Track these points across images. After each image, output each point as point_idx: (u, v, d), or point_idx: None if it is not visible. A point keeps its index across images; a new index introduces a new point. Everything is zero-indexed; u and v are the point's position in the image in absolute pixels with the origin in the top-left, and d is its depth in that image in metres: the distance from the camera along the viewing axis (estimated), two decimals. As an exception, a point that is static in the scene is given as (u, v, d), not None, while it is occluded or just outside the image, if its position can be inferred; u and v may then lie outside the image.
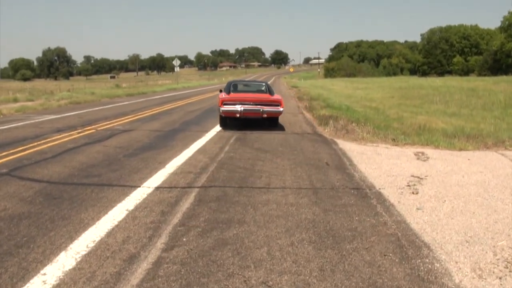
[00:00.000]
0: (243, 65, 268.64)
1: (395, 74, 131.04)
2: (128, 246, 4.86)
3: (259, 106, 14.84)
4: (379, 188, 7.40)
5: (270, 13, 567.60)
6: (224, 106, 14.85)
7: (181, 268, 4.33)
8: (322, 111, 20.35)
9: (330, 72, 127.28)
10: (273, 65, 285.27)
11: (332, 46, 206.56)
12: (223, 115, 15.21)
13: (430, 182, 7.79)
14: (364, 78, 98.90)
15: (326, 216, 5.94)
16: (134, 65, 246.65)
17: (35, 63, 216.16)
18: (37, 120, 18.01)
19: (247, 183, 7.65)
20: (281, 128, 15.49)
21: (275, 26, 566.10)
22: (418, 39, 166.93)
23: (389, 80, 75.53)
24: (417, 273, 4.29)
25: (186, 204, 6.43)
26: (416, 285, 4.06)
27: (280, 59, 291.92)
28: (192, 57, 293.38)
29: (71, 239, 5.07)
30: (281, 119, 16.59)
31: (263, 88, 17.33)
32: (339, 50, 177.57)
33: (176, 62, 73.86)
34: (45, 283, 4.05)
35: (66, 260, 4.51)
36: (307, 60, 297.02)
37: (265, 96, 15.94)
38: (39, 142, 11.89)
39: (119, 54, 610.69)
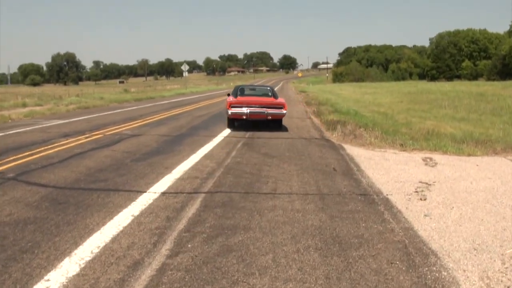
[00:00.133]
0: (251, 70, 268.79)
1: (403, 78, 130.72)
2: (132, 252, 4.84)
3: (264, 109, 15.93)
4: (387, 194, 7.34)
5: (278, 18, 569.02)
6: (232, 108, 15.93)
7: (185, 275, 4.30)
8: (330, 116, 20.30)
9: (338, 76, 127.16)
10: (281, 70, 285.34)
11: (341, 50, 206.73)
12: (231, 117, 16.22)
13: (438, 188, 7.72)
14: (373, 82, 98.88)
15: (332, 222, 5.89)
16: (143, 70, 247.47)
17: (45, 68, 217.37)
18: (45, 125, 18.09)
19: (253, 189, 7.61)
20: (288, 133, 15.46)
21: (283, 31, 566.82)
22: (426, 44, 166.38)
23: (397, 84, 75.38)
24: (424, 281, 4.23)
25: (191, 209, 6.39)
26: (423, 294, 4.00)
27: (288, 64, 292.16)
28: (200, 62, 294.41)
29: (76, 244, 5.05)
30: (289, 124, 16.97)
31: (267, 92, 18.57)
32: (348, 55, 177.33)
33: (185, 67, 74.09)
34: (48, 290, 4.03)
35: (70, 266, 4.49)
36: (315, 65, 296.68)
37: (270, 99, 17.05)
38: (46, 147, 11.92)
39: (128, 59, 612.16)
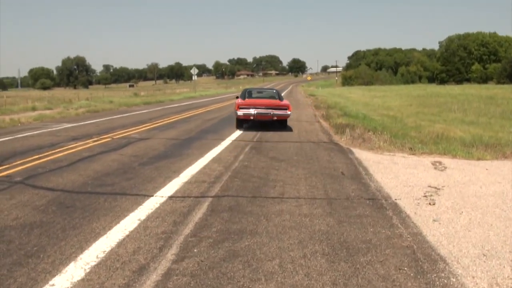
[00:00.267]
0: (260, 74, 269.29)
1: (413, 82, 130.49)
2: (138, 257, 4.81)
3: (270, 110, 17.21)
4: (395, 199, 7.27)
5: (287, 21, 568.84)
6: (240, 110, 17.25)
7: (190, 280, 4.26)
8: (339, 119, 20.23)
9: (347, 80, 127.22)
10: (290, 73, 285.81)
11: (350, 54, 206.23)
12: (239, 118, 17.51)
13: (447, 193, 7.64)
14: (382, 86, 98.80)
15: (340, 227, 5.84)
16: (153, 73, 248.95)
17: (55, 72, 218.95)
18: (54, 129, 18.15)
19: (260, 193, 7.57)
20: (297, 136, 15.42)
21: (292, 34, 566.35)
22: (436, 47, 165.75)
23: (407, 88, 75.25)
24: None
25: (198, 214, 6.36)
26: (431, 300, 3.94)
27: (297, 67, 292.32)
28: (210, 65, 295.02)
29: (82, 249, 5.03)
30: (297, 128, 17.21)
31: (273, 95, 19.95)
32: (357, 58, 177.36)
33: (194, 71, 74.38)
34: (53, 295, 4.02)
35: (75, 270, 4.47)
36: (324, 68, 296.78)
37: (275, 101, 18.30)
38: (54, 151, 11.94)
39: (138, 63, 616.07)
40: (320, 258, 4.80)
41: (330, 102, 34.65)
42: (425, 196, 7.45)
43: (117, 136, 15.17)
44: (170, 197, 7.25)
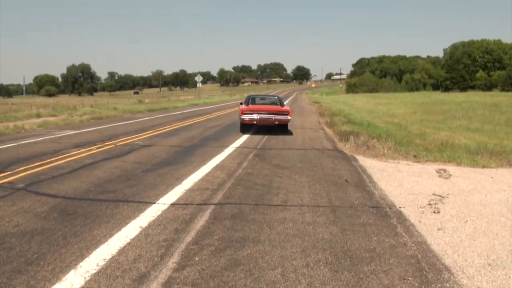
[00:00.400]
0: (265, 81, 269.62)
1: (417, 89, 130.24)
2: (139, 265, 4.76)
3: (271, 115, 18.38)
4: (400, 207, 7.20)
5: (292, 29, 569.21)
6: (244, 115, 18.47)
7: (191, 289, 4.21)
8: (343, 126, 20.16)
9: (352, 87, 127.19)
10: (295, 80, 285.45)
11: (354, 61, 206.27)
12: (243, 123, 18.68)
13: (452, 201, 7.57)
14: (386, 93, 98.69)
15: (343, 236, 5.77)
16: (157, 81, 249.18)
17: (60, 79, 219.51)
18: (57, 135, 18.15)
19: (263, 200, 7.51)
20: (301, 143, 15.35)
21: (297, 42, 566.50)
22: (440, 54, 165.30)
23: (411, 95, 75.16)
24: (438, 297, 4.10)
25: (200, 221, 6.31)
26: (436, 311, 3.87)
27: (302, 74, 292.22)
28: (214, 73, 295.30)
29: (82, 256, 4.98)
30: (301, 135, 17.29)
31: (275, 101, 21.46)
32: (361, 66, 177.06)
33: (198, 78, 74.40)
34: (52, 303, 3.97)
35: (75, 279, 4.42)
36: (329, 76, 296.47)
37: (277, 107, 19.61)
38: (57, 157, 11.92)
39: (142, 70, 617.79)
40: (323, 267, 4.73)
41: (334, 109, 34.59)
42: (430, 204, 7.37)
43: (121, 143, 15.15)
44: (172, 205, 7.20)
